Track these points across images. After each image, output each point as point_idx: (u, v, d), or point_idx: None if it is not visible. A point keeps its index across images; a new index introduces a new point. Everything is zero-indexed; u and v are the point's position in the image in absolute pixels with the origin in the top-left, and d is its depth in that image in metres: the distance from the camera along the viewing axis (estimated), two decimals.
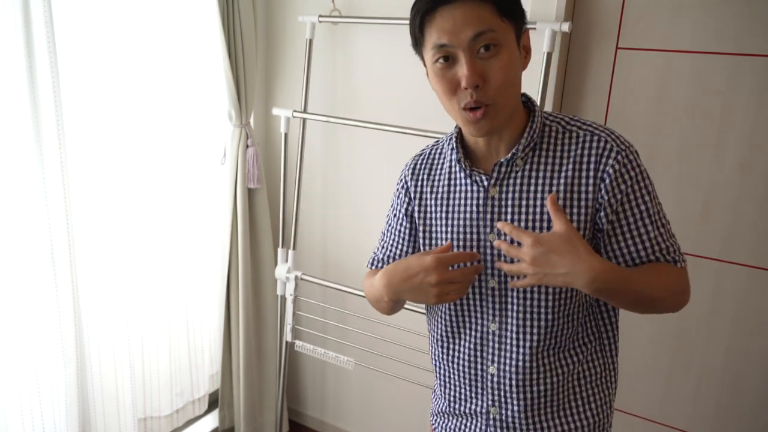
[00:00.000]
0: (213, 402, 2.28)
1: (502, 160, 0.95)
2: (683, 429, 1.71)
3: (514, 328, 0.97)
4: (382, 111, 1.92)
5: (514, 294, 0.96)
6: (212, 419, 2.25)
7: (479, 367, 1.02)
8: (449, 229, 1.01)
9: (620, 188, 0.91)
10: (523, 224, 0.94)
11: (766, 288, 1.54)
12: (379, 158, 1.99)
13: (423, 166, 1.08)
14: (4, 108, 1.37)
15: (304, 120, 2.01)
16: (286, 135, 2.04)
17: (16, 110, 1.38)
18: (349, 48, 1.96)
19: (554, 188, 0.93)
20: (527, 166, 0.95)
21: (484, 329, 1.00)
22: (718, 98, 1.50)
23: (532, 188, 0.94)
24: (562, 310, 0.96)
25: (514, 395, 0.99)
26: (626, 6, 1.56)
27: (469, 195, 0.99)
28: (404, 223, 1.09)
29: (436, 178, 1.04)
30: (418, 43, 0.93)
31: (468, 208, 0.99)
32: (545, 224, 0.93)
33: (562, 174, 0.93)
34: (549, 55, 1.53)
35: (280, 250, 2.09)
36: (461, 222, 0.99)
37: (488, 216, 0.97)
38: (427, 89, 1.85)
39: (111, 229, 1.70)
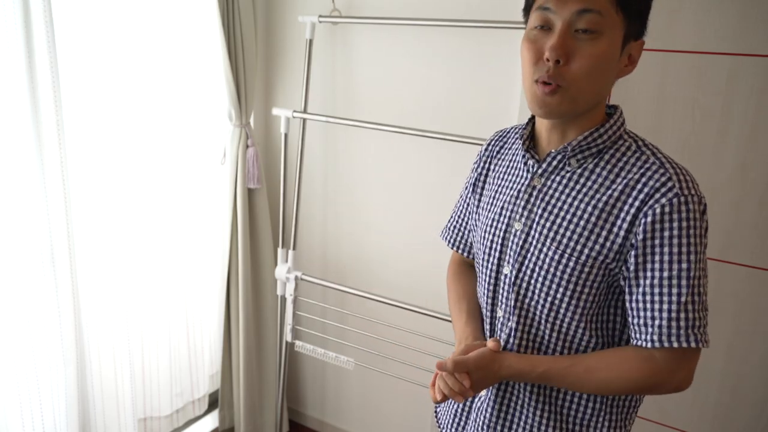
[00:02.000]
0: (213, 402, 2.28)
1: (553, 151, 0.92)
2: (683, 429, 1.71)
3: (518, 312, 0.97)
4: (382, 111, 1.92)
5: (527, 282, 0.95)
6: (212, 419, 2.25)
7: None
8: (492, 207, 1.02)
9: (659, 234, 0.83)
10: (548, 224, 0.92)
11: (766, 288, 1.54)
12: (379, 158, 1.99)
13: (497, 143, 1.09)
14: (4, 108, 1.37)
15: (304, 120, 2.01)
16: (286, 135, 2.04)
17: (16, 110, 1.38)
18: (349, 48, 1.96)
19: (594, 202, 0.88)
20: (581, 170, 0.91)
21: (494, 314, 1.01)
22: (718, 98, 1.50)
23: (573, 193, 0.90)
24: (577, 303, 0.93)
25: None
26: None
27: (518, 179, 0.98)
28: (470, 195, 1.12)
29: (504, 156, 1.05)
30: (528, 5, 0.90)
31: (512, 191, 0.98)
32: (572, 235, 0.89)
33: (609, 191, 0.87)
34: None
35: (280, 250, 2.09)
36: (502, 203, 0.99)
37: (523, 203, 0.95)
38: (427, 89, 1.86)
39: (111, 229, 1.70)
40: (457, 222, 1.18)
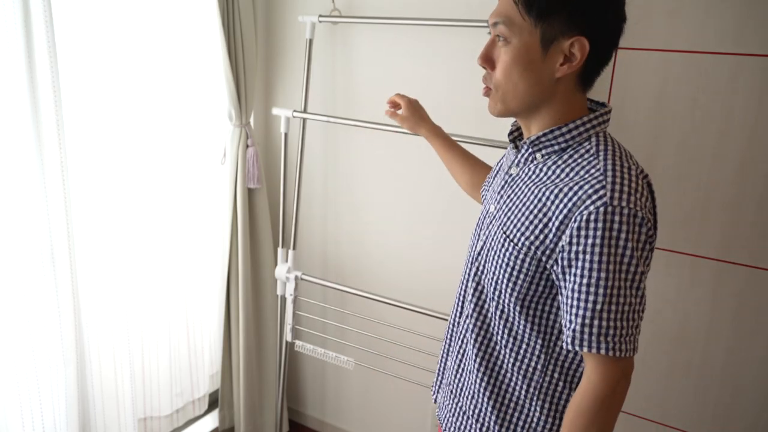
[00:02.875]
0: (213, 402, 2.28)
1: (522, 141, 1.00)
2: (683, 429, 1.71)
3: (474, 286, 1.06)
4: (382, 111, 1.92)
5: (484, 259, 1.03)
6: (212, 419, 2.25)
7: (451, 319, 1.15)
8: (488, 190, 1.13)
9: (583, 240, 0.85)
10: (505, 209, 0.98)
11: (766, 288, 1.54)
12: (379, 158, 1.99)
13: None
14: (4, 108, 1.37)
15: (304, 120, 2.01)
16: (286, 135, 2.04)
17: (16, 110, 1.38)
18: (349, 48, 1.96)
19: (539, 195, 0.92)
20: (543, 164, 0.96)
21: (461, 287, 1.12)
22: (718, 98, 1.50)
23: (530, 184, 0.96)
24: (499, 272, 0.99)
25: (455, 346, 1.12)
26: (626, 6, 1.55)
27: (503, 166, 1.09)
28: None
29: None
30: None
31: (498, 175, 1.08)
32: (514, 220, 0.95)
33: (554, 187, 0.91)
34: None
35: (280, 250, 2.09)
36: (491, 187, 1.10)
37: (499, 189, 1.04)
38: (427, 89, 1.86)
39: (111, 229, 1.70)
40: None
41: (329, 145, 2.08)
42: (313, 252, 2.22)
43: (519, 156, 1.01)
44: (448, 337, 1.16)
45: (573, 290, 0.87)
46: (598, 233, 0.84)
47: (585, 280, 0.85)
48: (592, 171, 0.88)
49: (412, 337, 1.91)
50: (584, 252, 0.85)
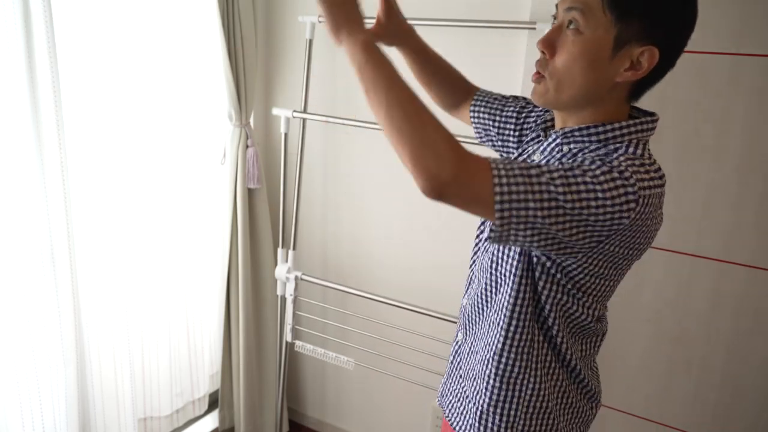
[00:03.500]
0: (213, 402, 2.28)
1: (550, 134, 0.97)
2: (683, 429, 1.71)
3: (480, 265, 1.06)
4: None
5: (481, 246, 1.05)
6: (212, 419, 2.25)
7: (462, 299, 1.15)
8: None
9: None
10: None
11: (766, 288, 1.54)
12: (379, 158, 1.99)
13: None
14: (4, 108, 1.37)
15: (304, 120, 2.01)
16: (286, 135, 2.04)
17: (16, 110, 1.38)
18: None
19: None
20: (575, 150, 0.93)
21: (472, 267, 1.11)
22: (718, 98, 1.50)
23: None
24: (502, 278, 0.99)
25: (470, 326, 1.10)
26: None
27: (526, 153, 1.07)
28: (514, 132, 1.14)
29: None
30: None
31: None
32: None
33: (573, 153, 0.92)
34: None
35: (280, 250, 2.09)
36: None
37: None
38: None
39: (111, 229, 1.70)
40: (496, 104, 1.18)
41: (329, 145, 2.08)
42: (313, 252, 2.22)
43: (545, 144, 0.98)
44: (461, 322, 1.15)
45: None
46: (582, 159, 0.85)
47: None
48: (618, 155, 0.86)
49: (412, 337, 1.91)
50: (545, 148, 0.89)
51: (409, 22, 1.87)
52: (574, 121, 0.93)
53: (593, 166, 0.82)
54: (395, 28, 1.15)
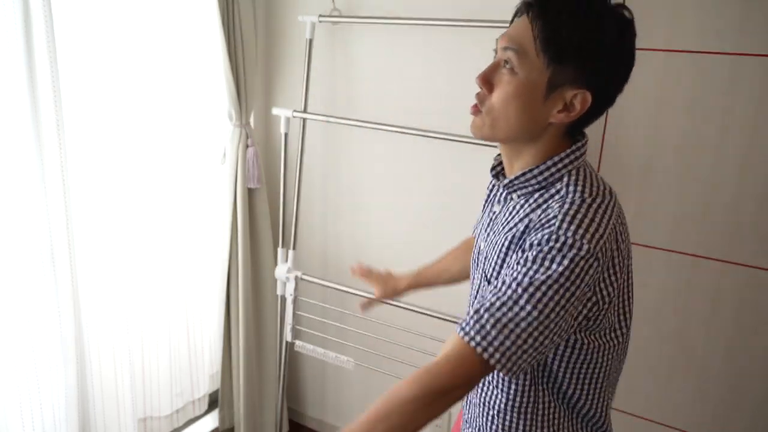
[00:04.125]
0: (213, 402, 2.28)
1: (499, 183, 0.99)
2: (683, 429, 1.71)
3: None
4: (382, 111, 1.92)
5: (473, 294, 1.05)
6: (212, 419, 2.25)
7: None
8: (479, 223, 1.12)
9: (518, 255, 0.86)
10: (487, 248, 0.98)
11: (766, 288, 1.54)
12: (379, 158, 1.99)
13: None
14: (4, 108, 1.37)
15: (304, 120, 2.01)
16: (286, 135, 2.04)
17: (16, 110, 1.38)
18: (349, 48, 1.96)
19: (509, 234, 0.91)
20: (518, 205, 0.94)
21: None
22: (718, 98, 1.50)
23: (505, 223, 0.95)
24: None
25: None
26: (626, 6, 1.55)
27: (491, 199, 1.09)
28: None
29: None
30: None
31: (486, 209, 1.08)
32: (490, 261, 0.94)
33: (521, 225, 0.90)
34: None
35: (280, 250, 2.09)
36: (482, 218, 1.10)
37: (485, 226, 1.04)
38: (428, 89, 1.85)
39: (111, 229, 1.70)
40: None
41: (329, 145, 2.08)
42: (313, 252, 2.21)
43: (499, 194, 1.02)
44: None
45: (493, 286, 0.86)
46: (533, 253, 0.83)
47: (501, 280, 0.85)
48: (554, 205, 0.87)
49: (412, 337, 1.90)
50: (517, 263, 0.84)
51: (406, 22, 1.87)
52: (519, 162, 0.94)
53: (548, 257, 0.81)
54: (397, 289, 1.42)
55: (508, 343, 0.80)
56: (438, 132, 1.75)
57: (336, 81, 2.01)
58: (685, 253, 1.62)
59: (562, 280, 0.80)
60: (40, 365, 1.53)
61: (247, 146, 2.00)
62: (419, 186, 1.94)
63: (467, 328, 0.82)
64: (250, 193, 2.07)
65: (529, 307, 0.80)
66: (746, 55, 1.45)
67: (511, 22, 0.91)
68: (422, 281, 1.39)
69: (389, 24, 1.84)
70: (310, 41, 1.93)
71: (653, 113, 1.59)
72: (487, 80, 0.90)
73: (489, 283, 0.94)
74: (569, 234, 0.82)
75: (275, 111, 2.00)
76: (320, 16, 1.88)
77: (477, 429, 1.05)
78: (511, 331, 0.80)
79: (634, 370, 1.74)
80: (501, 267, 0.92)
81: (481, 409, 1.03)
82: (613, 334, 0.95)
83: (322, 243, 2.19)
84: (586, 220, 0.83)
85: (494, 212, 1.01)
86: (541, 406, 0.97)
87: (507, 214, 0.96)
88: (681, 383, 1.69)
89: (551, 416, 0.98)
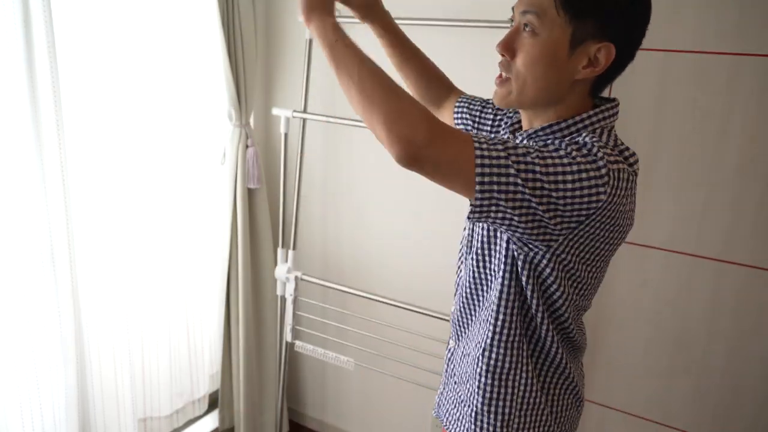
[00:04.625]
0: (213, 402, 2.28)
1: (517, 135, 0.99)
2: (683, 429, 1.71)
3: (464, 269, 1.07)
4: None
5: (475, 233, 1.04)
6: (212, 419, 2.25)
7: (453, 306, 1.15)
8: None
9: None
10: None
11: (766, 288, 1.54)
12: (379, 158, 1.99)
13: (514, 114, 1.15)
14: (4, 108, 1.37)
15: (304, 120, 2.01)
16: (286, 135, 2.04)
17: (16, 110, 1.38)
18: None
19: None
20: None
21: (458, 272, 1.13)
22: (719, 98, 1.50)
23: None
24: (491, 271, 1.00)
25: (461, 331, 1.11)
26: None
27: None
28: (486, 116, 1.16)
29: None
30: None
31: None
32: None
33: None
34: None
35: (280, 250, 2.09)
36: None
37: None
38: None
39: (111, 229, 1.70)
40: (474, 108, 1.18)
41: (329, 145, 2.08)
42: (313, 252, 2.22)
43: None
44: (453, 329, 1.15)
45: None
46: (555, 144, 0.86)
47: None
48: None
49: (412, 337, 1.90)
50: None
51: (406, 22, 1.87)
52: (540, 120, 0.96)
53: (562, 145, 0.85)
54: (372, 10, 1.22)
55: (501, 155, 0.80)
56: None
57: (336, 81, 2.01)
58: (684, 253, 1.62)
59: (573, 164, 0.81)
60: (40, 365, 1.53)
61: (247, 146, 2.00)
62: (419, 186, 1.94)
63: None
64: (250, 193, 2.07)
65: (534, 156, 0.81)
66: (746, 55, 1.45)
67: None
68: (389, 33, 1.27)
69: None
70: (310, 41, 1.93)
71: (653, 113, 1.59)
72: (509, 46, 0.90)
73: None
74: (591, 143, 0.84)
75: (275, 111, 2.00)
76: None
77: (467, 381, 1.07)
78: (510, 157, 0.80)
79: (634, 370, 1.74)
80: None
81: (471, 356, 1.05)
82: (579, 300, 0.98)
83: (322, 243, 2.19)
84: (608, 149, 0.85)
85: None
86: (524, 345, 0.99)
87: None
88: (681, 383, 1.69)
89: (532, 355, 1.00)
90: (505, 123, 1.11)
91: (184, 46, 1.86)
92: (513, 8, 0.92)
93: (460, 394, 1.10)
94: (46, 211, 1.47)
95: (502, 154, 0.81)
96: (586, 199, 0.82)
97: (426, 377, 1.91)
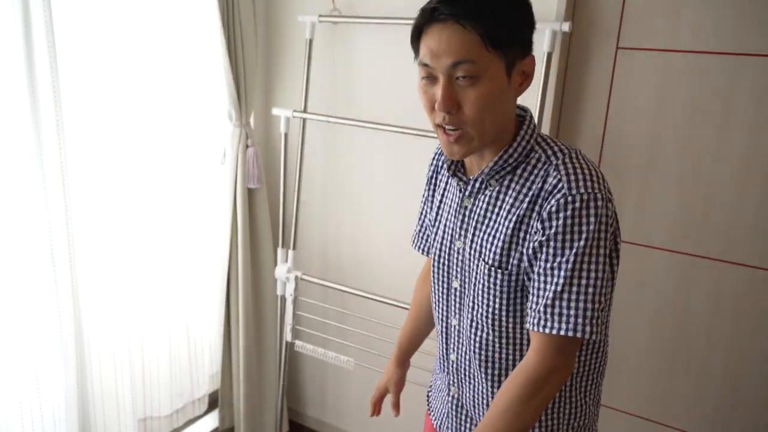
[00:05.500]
0: (213, 402, 2.28)
1: (473, 177, 0.99)
2: (683, 429, 1.71)
3: (469, 322, 1.04)
4: (382, 111, 1.92)
5: (471, 294, 1.02)
6: (212, 419, 2.25)
7: (444, 353, 1.14)
8: (438, 225, 1.10)
9: (548, 231, 0.89)
10: (478, 241, 0.99)
11: (766, 288, 1.54)
12: (379, 158, 1.99)
13: (441, 156, 1.15)
14: (4, 108, 1.37)
15: (304, 120, 2.01)
16: (286, 135, 2.04)
17: (16, 110, 1.38)
18: (349, 48, 1.96)
19: (510, 216, 0.94)
20: (499, 188, 0.97)
21: (449, 322, 1.10)
22: (718, 98, 1.50)
23: (496, 209, 0.97)
24: (508, 310, 0.99)
25: (465, 380, 1.10)
26: (626, 6, 1.56)
27: (455, 197, 1.06)
28: (426, 202, 1.20)
29: (445, 172, 1.11)
30: (415, 53, 0.95)
31: (451, 210, 1.06)
32: (494, 249, 0.96)
33: (522, 204, 0.93)
34: (549, 55, 1.53)
35: (280, 250, 2.09)
36: (445, 221, 1.08)
37: (459, 223, 1.03)
38: None
39: (111, 229, 1.70)
40: (423, 228, 1.26)
41: (329, 145, 2.08)
42: (313, 252, 2.22)
43: (469, 188, 1.00)
44: (454, 377, 1.13)
45: (539, 274, 0.90)
46: (559, 221, 0.88)
47: (549, 264, 0.89)
48: (549, 172, 0.92)
49: None
50: (548, 239, 0.89)
51: (407, 22, 1.86)
52: (490, 152, 0.97)
53: (576, 222, 0.87)
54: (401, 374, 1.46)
55: (589, 313, 0.87)
56: None
57: (336, 81, 2.01)
58: (685, 253, 1.62)
59: (598, 234, 0.87)
60: (40, 365, 1.53)
61: (247, 146, 2.00)
62: (419, 186, 1.94)
63: (547, 323, 0.88)
64: (250, 193, 2.07)
65: (586, 275, 0.87)
66: (746, 55, 1.45)
67: (417, 38, 0.91)
68: (409, 353, 1.40)
69: (389, 24, 1.84)
70: (310, 41, 1.93)
71: (653, 113, 1.59)
72: (454, 101, 0.89)
73: (498, 269, 0.96)
74: (582, 190, 0.87)
75: (275, 111, 2.00)
76: (320, 16, 1.88)
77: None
78: (585, 301, 0.87)
79: (634, 370, 1.74)
80: (509, 251, 0.94)
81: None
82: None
83: (322, 243, 2.19)
84: (586, 171, 0.90)
85: (465, 207, 1.02)
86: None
87: (491, 200, 0.98)
88: (681, 383, 1.69)
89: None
90: (440, 175, 1.13)
91: (185, 46, 1.86)
92: (425, 64, 0.90)
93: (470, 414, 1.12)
94: (46, 212, 1.47)
95: (591, 310, 0.88)
96: (613, 236, 0.92)
97: (426, 377, 1.91)
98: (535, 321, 0.90)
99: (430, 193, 1.18)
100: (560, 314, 0.88)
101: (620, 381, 1.76)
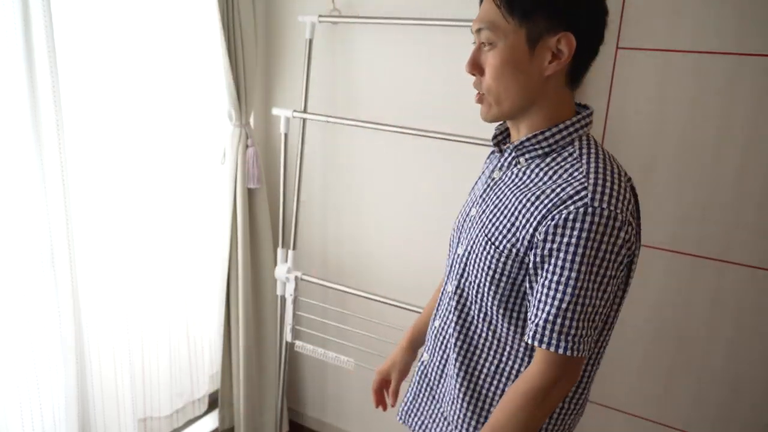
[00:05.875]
0: (213, 402, 2.28)
1: (507, 146, 1.01)
2: (683, 429, 1.71)
3: (454, 288, 1.05)
4: (382, 111, 1.92)
5: (466, 261, 1.02)
6: (212, 419, 2.25)
7: (433, 319, 1.15)
8: (467, 198, 1.13)
9: (559, 238, 0.86)
10: (488, 213, 0.99)
11: (766, 288, 1.54)
12: (380, 158, 1.99)
13: (491, 154, 1.18)
14: (4, 108, 1.37)
15: (304, 120, 2.01)
16: (286, 135, 2.04)
17: (16, 110, 1.38)
18: (349, 48, 1.96)
19: (522, 197, 0.94)
20: (527, 169, 0.97)
21: (446, 288, 1.11)
22: (718, 98, 1.50)
23: (513, 187, 0.97)
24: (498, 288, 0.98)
25: (439, 349, 1.10)
26: (626, 6, 1.56)
27: (486, 172, 1.10)
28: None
29: (490, 164, 1.13)
30: None
31: (479, 183, 1.10)
32: (497, 224, 0.96)
33: (537, 190, 0.92)
34: None
35: (279, 250, 2.09)
36: (471, 193, 1.11)
37: (481, 192, 1.05)
38: (428, 89, 1.85)
39: (111, 229, 1.70)
40: None
41: (329, 145, 2.08)
42: (313, 252, 2.21)
43: (502, 160, 1.02)
44: (431, 343, 1.14)
45: (543, 285, 0.89)
46: (575, 233, 0.85)
47: (555, 278, 0.87)
48: (576, 174, 0.89)
49: None
50: (558, 250, 0.86)
51: (406, 22, 1.87)
52: (526, 126, 0.97)
53: (591, 237, 0.85)
54: (405, 361, 1.36)
55: (589, 332, 0.88)
56: (438, 132, 1.74)
57: (336, 81, 2.01)
58: (685, 253, 1.61)
59: (613, 256, 0.86)
60: (40, 365, 1.53)
61: (247, 146, 2.00)
62: (419, 186, 1.94)
63: (545, 338, 0.88)
64: (250, 193, 2.07)
65: (591, 294, 0.86)
66: (746, 55, 1.45)
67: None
68: (422, 338, 1.34)
69: (389, 24, 1.84)
70: (310, 41, 1.93)
71: (653, 113, 1.59)
72: (476, 65, 0.95)
73: (492, 244, 0.95)
74: (604, 205, 0.85)
75: (275, 111, 2.00)
76: (320, 16, 1.88)
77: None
78: (586, 320, 0.87)
79: (634, 370, 1.74)
80: (507, 232, 0.93)
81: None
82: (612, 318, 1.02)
83: (322, 243, 2.19)
84: (615, 187, 0.87)
85: (493, 179, 1.03)
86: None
87: (514, 178, 0.98)
88: (681, 383, 1.69)
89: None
90: (485, 165, 1.16)
91: (185, 47, 1.86)
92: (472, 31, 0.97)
93: (443, 411, 1.13)
94: (46, 212, 1.47)
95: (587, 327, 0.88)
96: (627, 256, 0.90)
97: None
98: (538, 337, 0.89)
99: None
100: (560, 332, 0.87)
101: (620, 381, 1.76)
